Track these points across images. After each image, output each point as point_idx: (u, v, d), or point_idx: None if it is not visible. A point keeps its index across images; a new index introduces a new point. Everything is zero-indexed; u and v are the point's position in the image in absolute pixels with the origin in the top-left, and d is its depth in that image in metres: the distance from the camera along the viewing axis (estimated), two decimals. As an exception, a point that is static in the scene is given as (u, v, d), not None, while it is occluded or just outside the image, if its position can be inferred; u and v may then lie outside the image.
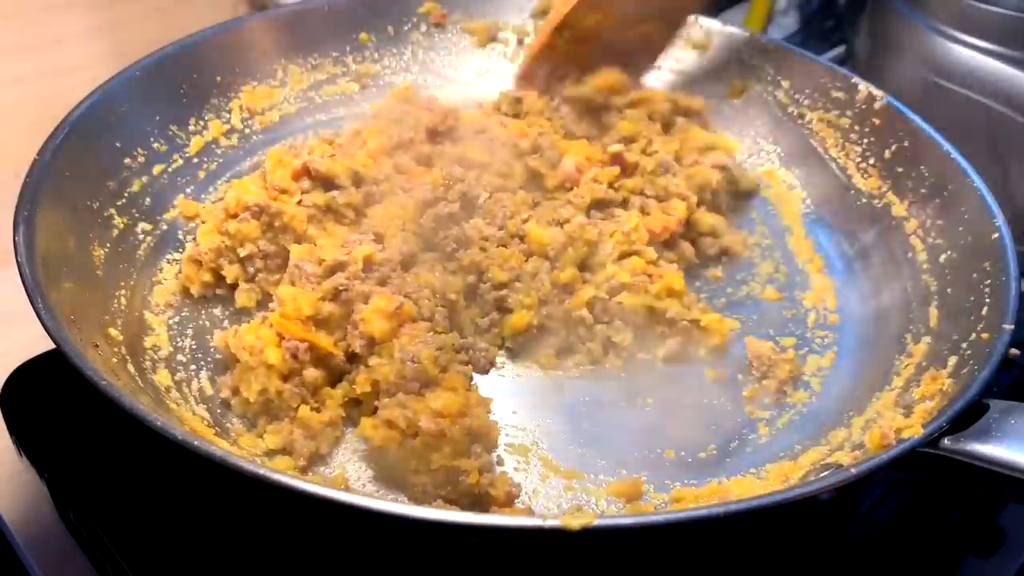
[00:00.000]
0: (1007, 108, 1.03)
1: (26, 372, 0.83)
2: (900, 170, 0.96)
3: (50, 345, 0.80)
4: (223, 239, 0.84)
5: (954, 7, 1.08)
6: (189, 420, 0.72)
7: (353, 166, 0.90)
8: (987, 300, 0.79)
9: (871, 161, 0.99)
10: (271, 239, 0.85)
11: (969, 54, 1.07)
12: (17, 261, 0.69)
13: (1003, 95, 1.04)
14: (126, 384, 0.67)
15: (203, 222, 0.89)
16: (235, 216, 0.84)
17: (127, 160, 0.89)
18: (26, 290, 0.67)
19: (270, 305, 0.79)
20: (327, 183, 0.89)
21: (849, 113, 1.02)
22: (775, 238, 1.00)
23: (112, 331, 0.75)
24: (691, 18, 1.14)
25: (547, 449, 0.76)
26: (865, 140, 1.00)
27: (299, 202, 0.87)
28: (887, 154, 0.98)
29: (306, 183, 0.89)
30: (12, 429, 0.79)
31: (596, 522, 0.57)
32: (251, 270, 0.84)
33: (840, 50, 1.26)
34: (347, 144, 0.95)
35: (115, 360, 0.71)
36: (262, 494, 0.63)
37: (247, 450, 0.72)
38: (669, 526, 0.60)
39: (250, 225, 0.84)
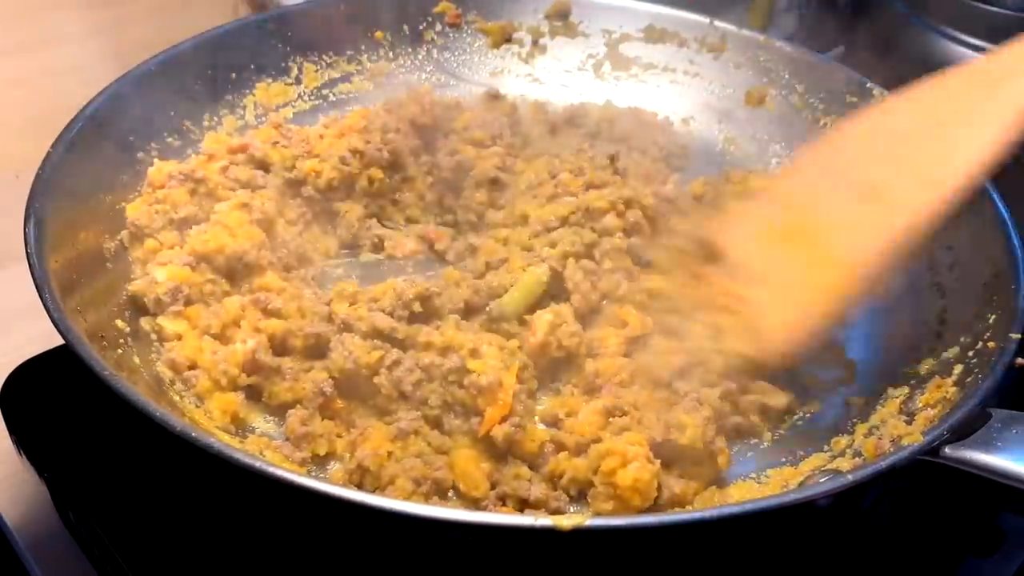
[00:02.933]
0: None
1: (26, 372, 0.87)
2: (912, 176, 1.01)
3: (50, 344, 0.86)
4: (153, 208, 0.88)
5: (954, 7, 1.13)
6: (191, 412, 0.76)
7: (291, 158, 0.96)
8: (995, 309, 0.83)
9: (884, 167, 1.04)
10: (197, 204, 0.90)
11: (970, 54, 1.11)
12: (27, 252, 0.73)
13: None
14: (129, 376, 0.71)
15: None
16: (161, 187, 0.90)
17: (140, 155, 0.94)
18: (34, 281, 0.71)
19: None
20: (261, 165, 0.95)
21: (863, 118, 1.06)
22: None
23: (119, 323, 0.80)
24: (706, 21, 1.20)
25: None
26: (877, 145, 1.05)
27: (224, 168, 0.93)
28: (899, 159, 1.02)
29: (240, 157, 0.95)
30: (12, 429, 0.84)
31: (588, 522, 0.61)
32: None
33: (840, 50, 1.31)
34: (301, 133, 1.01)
35: (120, 352, 0.76)
36: (262, 489, 0.67)
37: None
38: (662, 528, 0.65)
39: (178, 191, 0.90)
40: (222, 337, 0.83)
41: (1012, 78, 0.77)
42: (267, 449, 0.76)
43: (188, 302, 0.83)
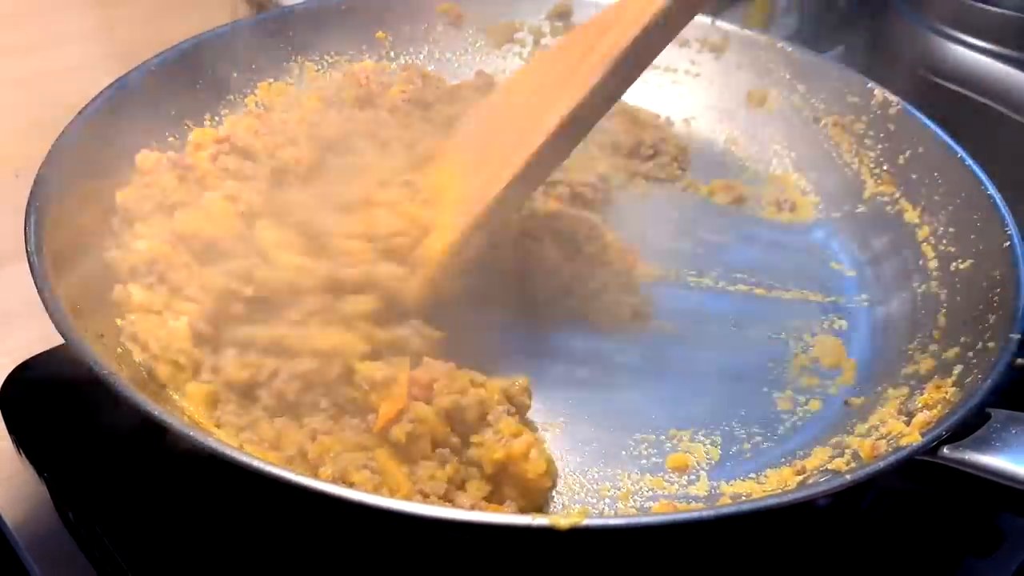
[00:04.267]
0: (1007, 108, 1.09)
1: (26, 372, 0.87)
2: (914, 176, 1.02)
3: (50, 344, 0.87)
4: (141, 193, 0.88)
5: (954, 7, 1.14)
6: (191, 412, 0.76)
7: (273, 146, 0.96)
8: (996, 309, 0.83)
9: (885, 167, 1.05)
10: (187, 191, 0.90)
11: (969, 54, 1.13)
12: (27, 251, 0.74)
13: (1003, 95, 1.09)
14: (128, 375, 0.71)
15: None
16: (150, 173, 0.90)
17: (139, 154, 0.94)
18: (35, 281, 0.72)
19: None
20: (246, 155, 0.95)
21: (864, 118, 1.08)
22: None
23: (119, 321, 0.80)
24: (708, 21, 1.20)
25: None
26: (879, 145, 1.06)
27: (214, 157, 0.94)
28: (901, 160, 1.04)
29: (226, 147, 0.95)
30: (12, 429, 0.84)
31: (585, 522, 0.61)
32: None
33: (840, 50, 1.32)
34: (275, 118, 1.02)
35: (120, 351, 0.77)
36: (262, 489, 0.68)
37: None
38: (660, 528, 0.65)
39: (167, 177, 0.90)
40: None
41: (606, 33, 0.83)
42: (248, 443, 0.75)
43: (161, 279, 0.83)
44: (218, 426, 0.76)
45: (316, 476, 0.72)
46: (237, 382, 0.78)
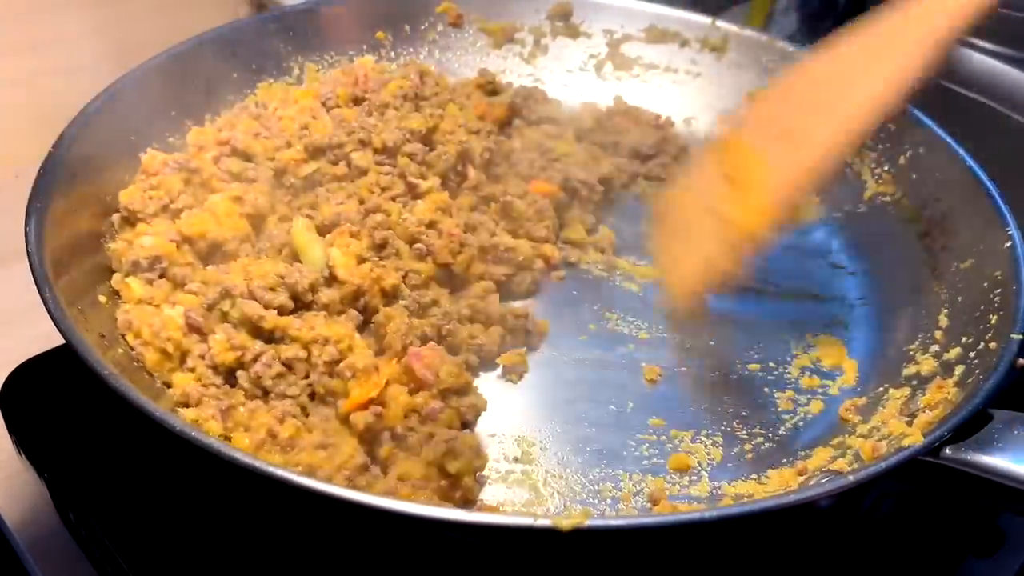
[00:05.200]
0: (1008, 109, 1.09)
1: (26, 372, 0.87)
2: (915, 176, 1.02)
3: (51, 344, 0.87)
4: (147, 194, 0.88)
5: (954, 7, 1.14)
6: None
7: (272, 149, 0.96)
8: (997, 309, 0.83)
9: (885, 167, 1.05)
10: (192, 194, 0.90)
11: (971, 55, 1.12)
12: (27, 252, 0.74)
13: (1003, 95, 1.09)
14: (130, 376, 0.71)
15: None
16: (155, 174, 0.90)
17: (141, 154, 0.93)
18: (35, 280, 0.72)
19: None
20: (247, 157, 0.95)
21: (864, 118, 1.07)
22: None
23: (116, 313, 0.80)
24: (708, 21, 1.21)
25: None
26: (880, 146, 1.06)
27: (215, 159, 0.93)
28: (902, 160, 1.04)
29: (227, 149, 0.95)
30: (12, 429, 0.84)
31: (588, 523, 0.61)
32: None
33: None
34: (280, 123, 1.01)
35: (120, 351, 0.77)
36: (262, 489, 0.68)
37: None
38: (661, 529, 0.65)
39: (172, 179, 0.89)
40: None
41: (905, 30, 0.88)
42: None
43: (163, 275, 0.83)
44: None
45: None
46: (222, 364, 0.78)
